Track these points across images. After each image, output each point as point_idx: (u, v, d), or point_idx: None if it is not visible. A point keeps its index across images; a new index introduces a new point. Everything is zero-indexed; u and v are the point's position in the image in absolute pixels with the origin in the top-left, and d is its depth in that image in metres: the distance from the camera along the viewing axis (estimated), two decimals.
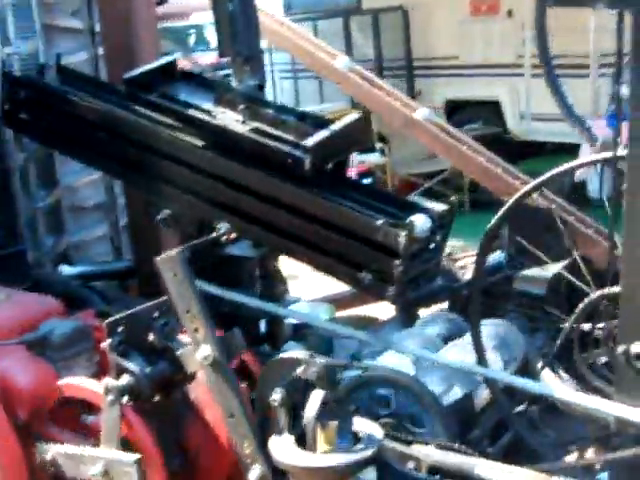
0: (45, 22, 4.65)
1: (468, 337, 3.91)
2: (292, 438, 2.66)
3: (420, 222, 3.22)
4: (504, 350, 4.05)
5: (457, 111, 11.55)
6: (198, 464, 3.24)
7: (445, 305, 4.45)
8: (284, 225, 3.51)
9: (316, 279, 3.98)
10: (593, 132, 3.37)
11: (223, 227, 3.64)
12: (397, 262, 3.19)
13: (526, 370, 3.88)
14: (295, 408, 2.70)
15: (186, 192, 3.70)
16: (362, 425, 2.69)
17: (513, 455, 3.53)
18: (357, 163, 10.09)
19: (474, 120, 11.24)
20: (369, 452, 2.58)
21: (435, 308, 4.45)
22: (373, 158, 10.50)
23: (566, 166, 3.33)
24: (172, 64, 3.87)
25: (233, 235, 4.07)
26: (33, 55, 4.60)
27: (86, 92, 3.91)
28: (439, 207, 3.36)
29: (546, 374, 3.70)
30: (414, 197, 3.51)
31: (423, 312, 4.45)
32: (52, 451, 3.13)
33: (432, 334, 4.17)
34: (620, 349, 2.94)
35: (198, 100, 3.67)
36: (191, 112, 3.60)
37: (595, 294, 3.16)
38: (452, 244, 4.54)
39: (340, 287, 4.26)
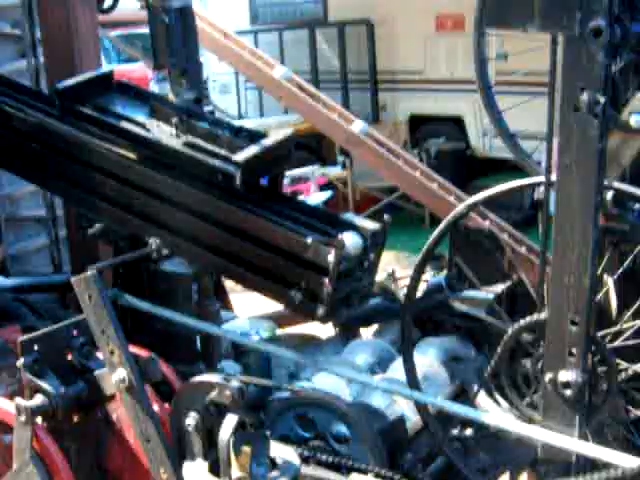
0: None
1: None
2: (205, 464, 2.59)
3: (351, 240, 3.17)
4: (450, 366, 4.04)
5: (421, 126, 11.55)
6: None
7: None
8: (215, 242, 3.44)
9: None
10: (533, 160, 3.37)
11: (154, 242, 3.55)
12: (326, 280, 3.14)
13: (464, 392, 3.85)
14: (211, 433, 2.64)
15: (116, 206, 3.62)
16: (279, 451, 2.62)
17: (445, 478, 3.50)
18: (318, 176, 10.06)
19: (437, 135, 11.25)
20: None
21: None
22: (334, 171, 10.47)
23: (502, 187, 3.29)
24: (108, 76, 3.79)
25: (166, 252, 4.03)
26: None
27: (19, 102, 3.82)
28: (372, 225, 3.31)
29: (482, 398, 3.66)
30: (347, 215, 3.45)
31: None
32: None
33: (360, 363, 4.12)
34: (547, 377, 2.91)
35: (133, 113, 3.59)
36: (124, 125, 3.52)
37: (511, 329, 3.13)
38: (412, 259, 4.48)
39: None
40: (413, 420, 3.68)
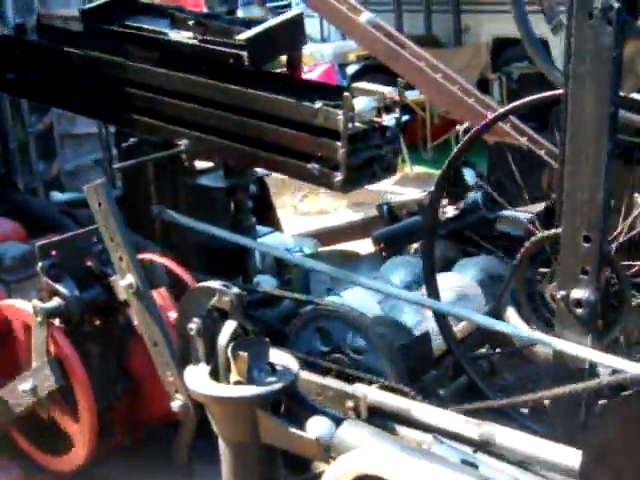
0: None
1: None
2: (207, 368, 2.64)
3: (361, 102, 3.13)
4: (488, 285, 4.00)
5: (504, 49, 11.19)
6: (142, 388, 3.27)
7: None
8: (234, 129, 3.52)
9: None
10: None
11: (183, 144, 3.61)
12: (339, 144, 3.12)
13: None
14: (213, 338, 2.68)
15: (144, 114, 3.75)
16: (278, 357, 2.65)
17: (466, 397, 3.48)
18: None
19: (520, 59, 10.88)
20: (279, 385, 2.54)
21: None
22: (412, 95, 10.28)
23: (529, 98, 3.20)
24: None
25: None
26: None
27: (59, 42, 3.94)
28: (385, 89, 3.28)
29: (511, 314, 3.61)
30: (361, 83, 3.41)
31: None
32: None
33: (396, 280, 4.11)
34: (560, 295, 2.84)
35: (155, 25, 3.66)
36: (145, 34, 3.60)
37: (538, 236, 3.04)
38: None
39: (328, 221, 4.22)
40: (441, 340, 3.67)
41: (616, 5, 2.45)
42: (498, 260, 4.15)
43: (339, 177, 3.12)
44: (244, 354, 2.54)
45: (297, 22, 3.52)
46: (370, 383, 2.94)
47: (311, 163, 3.24)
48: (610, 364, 2.74)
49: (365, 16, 5.76)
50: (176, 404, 2.89)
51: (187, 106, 3.62)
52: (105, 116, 4.07)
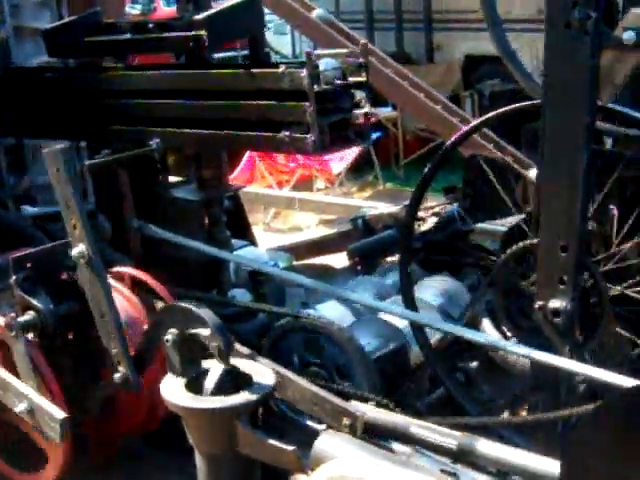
0: None
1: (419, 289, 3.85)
2: (183, 380, 2.61)
3: (324, 63, 3.11)
4: (447, 309, 3.98)
5: (475, 67, 11.29)
6: (117, 402, 3.23)
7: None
8: (201, 114, 3.50)
9: None
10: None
11: (154, 143, 3.57)
12: (307, 104, 3.09)
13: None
14: (189, 351, 2.65)
15: (112, 123, 3.76)
16: (255, 370, 2.63)
17: (443, 409, 3.47)
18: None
19: (492, 77, 10.98)
20: (256, 396, 2.52)
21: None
22: (384, 112, 10.34)
23: (502, 110, 3.21)
24: (95, 15, 3.91)
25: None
26: None
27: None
28: (347, 50, 3.27)
29: (486, 325, 3.61)
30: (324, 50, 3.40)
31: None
32: None
33: (388, 283, 4.09)
34: (537, 305, 2.84)
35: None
36: (106, 41, 3.72)
37: (520, 244, 3.05)
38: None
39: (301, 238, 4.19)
40: (418, 351, 3.66)
41: (593, 15, 2.47)
42: (458, 283, 4.12)
43: (310, 139, 3.08)
44: None
45: (254, 3, 3.52)
46: (347, 396, 2.92)
47: (281, 132, 3.22)
48: (585, 373, 2.74)
49: (316, 12, 5.74)
50: (117, 376, 2.90)
51: (152, 103, 3.62)
52: (74, 134, 4.04)
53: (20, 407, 2.98)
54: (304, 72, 3.03)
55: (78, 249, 2.85)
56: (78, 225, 2.85)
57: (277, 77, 3.14)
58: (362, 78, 3.11)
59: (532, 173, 3.35)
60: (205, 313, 2.64)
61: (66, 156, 2.83)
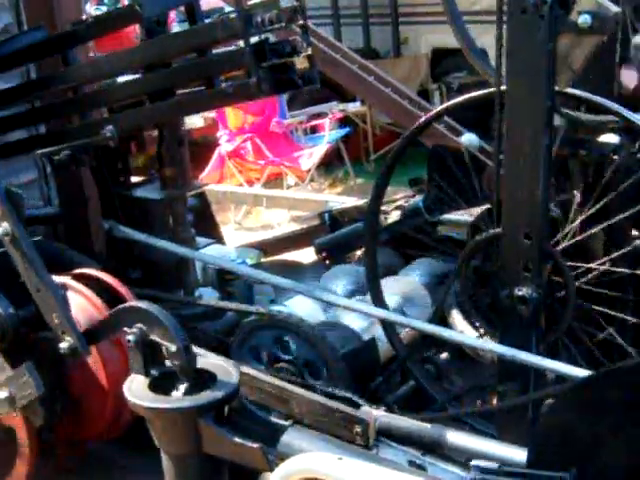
0: None
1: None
2: (146, 380, 2.58)
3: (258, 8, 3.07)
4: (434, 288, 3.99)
5: (442, 60, 11.29)
6: (81, 407, 3.19)
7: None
8: (146, 89, 3.46)
9: None
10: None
11: (107, 131, 3.52)
12: (243, 45, 3.02)
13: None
14: (152, 350, 2.61)
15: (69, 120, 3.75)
16: (219, 367, 2.60)
17: (413, 402, 3.46)
18: (336, 112, 9.92)
19: (460, 69, 10.99)
20: (220, 394, 2.49)
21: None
22: (353, 107, 10.32)
23: (466, 96, 3.20)
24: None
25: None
26: None
27: None
28: None
29: (456, 316, 3.59)
30: None
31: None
32: None
33: (337, 288, 4.08)
34: (503, 294, 2.83)
35: None
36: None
37: (468, 245, 3.04)
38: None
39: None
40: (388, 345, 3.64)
41: (549, 0, 2.46)
42: (439, 262, 4.15)
43: (252, 81, 3.03)
44: None
45: None
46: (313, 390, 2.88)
47: (223, 84, 3.20)
48: (553, 368, 2.73)
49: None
50: (64, 345, 2.86)
51: (100, 90, 3.63)
52: (36, 144, 4.00)
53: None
54: (235, 16, 2.99)
55: (2, 229, 2.82)
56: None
57: (211, 28, 3.10)
58: (299, 21, 3.07)
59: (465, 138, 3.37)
60: (160, 313, 2.60)
61: None
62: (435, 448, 2.47)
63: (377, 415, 2.55)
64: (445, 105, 3.20)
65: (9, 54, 3.70)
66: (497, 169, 2.81)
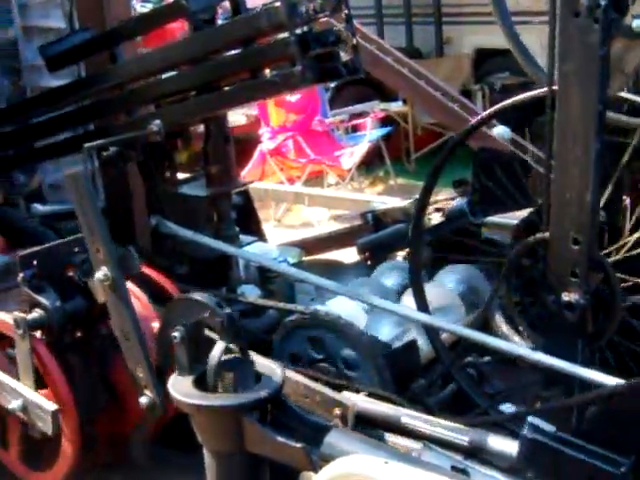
0: None
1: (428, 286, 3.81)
2: (191, 377, 2.59)
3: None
4: (468, 297, 3.96)
5: (486, 60, 11.22)
6: (125, 401, 3.21)
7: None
8: (194, 82, 3.52)
9: None
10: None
11: (154, 125, 3.54)
12: (288, 34, 3.06)
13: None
14: (197, 348, 2.63)
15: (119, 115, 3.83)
16: (264, 366, 2.60)
17: (454, 406, 3.44)
18: (377, 111, 9.90)
19: (502, 70, 10.91)
20: (264, 393, 2.49)
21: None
22: (395, 106, 10.29)
23: (515, 98, 3.18)
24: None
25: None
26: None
27: None
28: None
29: (499, 321, 3.57)
30: None
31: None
32: None
33: (387, 284, 4.07)
34: (549, 299, 2.81)
35: None
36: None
37: (515, 248, 3.01)
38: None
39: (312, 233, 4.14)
40: (429, 347, 3.63)
41: (603, 3, 2.42)
42: (478, 271, 4.10)
43: (298, 69, 3.04)
44: (230, 374, 2.50)
45: None
46: (358, 391, 2.89)
47: (268, 74, 3.23)
48: (593, 378, 2.69)
49: None
50: (144, 400, 2.86)
51: (146, 85, 3.67)
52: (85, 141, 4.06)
53: (14, 404, 2.99)
54: (279, 4, 3.00)
55: (102, 272, 2.81)
56: (102, 249, 2.81)
57: (255, 18, 3.12)
58: (343, 11, 3.07)
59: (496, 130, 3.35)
60: (203, 297, 2.62)
61: (86, 179, 2.80)
62: (476, 452, 2.46)
63: (355, 400, 2.60)
64: (496, 107, 3.18)
65: (60, 53, 3.74)
66: (547, 172, 2.78)
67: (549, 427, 2.12)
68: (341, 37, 3.14)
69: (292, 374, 2.69)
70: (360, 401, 2.66)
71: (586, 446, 2.09)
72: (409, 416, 2.57)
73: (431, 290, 3.83)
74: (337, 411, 2.63)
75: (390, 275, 4.06)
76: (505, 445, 2.43)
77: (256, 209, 4.99)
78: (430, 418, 2.56)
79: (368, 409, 2.62)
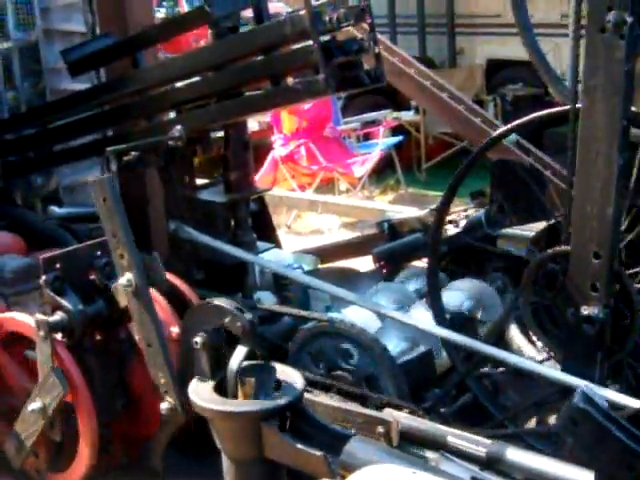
0: None
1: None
2: (212, 383, 2.60)
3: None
4: (479, 310, 3.95)
5: (498, 71, 11.24)
6: (142, 405, 3.23)
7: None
8: (215, 88, 3.55)
9: None
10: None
11: (176, 131, 3.56)
12: (312, 43, 3.08)
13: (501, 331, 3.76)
14: (218, 354, 2.64)
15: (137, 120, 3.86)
16: (284, 374, 2.61)
17: (469, 416, 3.44)
18: (389, 120, 9.92)
19: (515, 81, 10.93)
20: (284, 400, 2.50)
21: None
22: (407, 116, 10.31)
23: (534, 115, 3.19)
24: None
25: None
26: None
27: None
28: None
29: (515, 334, 3.58)
30: None
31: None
32: None
33: (409, 289, 4.08)
34: (569, 312, 2.82)
35: None
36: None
37: (535, 260, 3.02)
38: None
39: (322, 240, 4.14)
40: (444, 357, 3.63)
41: (629, 19, 2.44)
42: (486, 285, 4.08)
43: (321, 77, 3.05)
44: (251, 380, 2.51)
45: None
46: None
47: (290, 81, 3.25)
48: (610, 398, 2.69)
49: None
50: (165, 406, 2.87)
51: (167, 91, 3.70)
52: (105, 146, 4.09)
53: (33, 407, 3.01)
54: (304, 12, 3.02)
55: (126, 278, 2.83)
56: (126, 255, 2.82)
57: (279, 26, 3.13)
58: (367, 20, 3.10)
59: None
60: (223, 302, 2.63)
61: (112, 185, 2.82)
62: (492, 464, 2.46)
63: (400, 418, 2.55)
64: (517, 122, 3.18)
65: (82, 58, 3.77)
66: (569, 186, 2.79)
67: (602, 401, 2.05)
68: (364, 46, 3.16)
69: (325, 399, 2.68)
70: (403, 418, 2.59)
71: (634, 431, 1.98)
72: (454, 435, 2.54)
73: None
74: (380, 429, 2.55)
75: (414, 280, 4.06)
76: (524, 457, 2.44)
77: (271, 216, 5.01)
78: (471, 436, 2.54)
79: (412, 427, 2.56)
